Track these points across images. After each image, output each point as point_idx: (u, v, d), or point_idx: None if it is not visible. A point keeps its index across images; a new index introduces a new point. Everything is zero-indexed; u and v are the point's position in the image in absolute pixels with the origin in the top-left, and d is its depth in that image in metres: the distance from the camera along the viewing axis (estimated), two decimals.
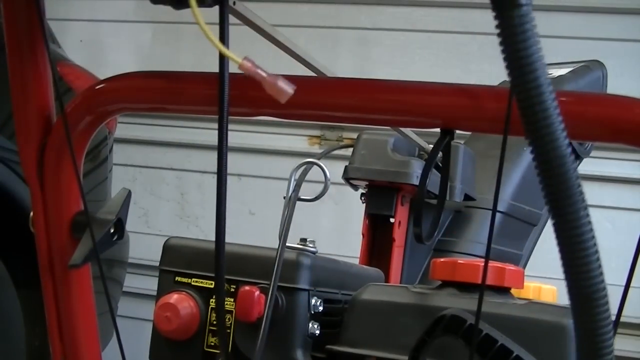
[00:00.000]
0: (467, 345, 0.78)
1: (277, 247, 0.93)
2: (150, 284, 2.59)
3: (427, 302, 0.87)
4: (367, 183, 1.39)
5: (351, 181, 1.40)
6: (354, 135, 1.44)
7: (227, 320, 0.94)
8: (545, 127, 0.47)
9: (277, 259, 0.91)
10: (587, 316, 0.49)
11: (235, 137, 3.00)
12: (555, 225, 0.48)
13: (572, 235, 0.48)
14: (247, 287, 0.91)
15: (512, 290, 0.91)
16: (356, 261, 1.39)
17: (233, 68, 0.64)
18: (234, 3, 0.67)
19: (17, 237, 1.57)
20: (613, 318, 0.62)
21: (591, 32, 3.00)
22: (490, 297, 0.86)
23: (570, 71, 1.78)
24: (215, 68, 0.65)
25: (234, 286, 0.95)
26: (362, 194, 1.43)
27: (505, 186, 1.63)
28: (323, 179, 0.99)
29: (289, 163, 1.15)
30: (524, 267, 1.71)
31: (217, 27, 0.64)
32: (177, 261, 1.01)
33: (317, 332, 0.95)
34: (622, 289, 0.64)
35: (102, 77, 0.76)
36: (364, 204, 1.41)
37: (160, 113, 2.04)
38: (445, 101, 0.65)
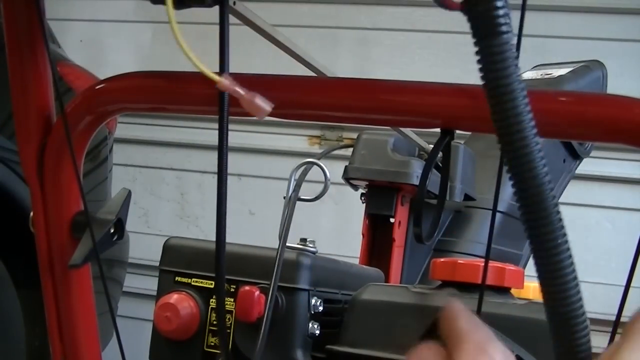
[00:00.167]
0: None
1: (277, 247, 0.93)
2: (150, 284, 2.59)
3: (427, 302, 0.87)
4: (367, 183, 1.39)
5: (351, 181, 1.40)
6: (354, 135, 1.44)
7: (227, 320, 0.94)
8: (523, 156, 0.46)
9: (277, 259, 0.91)
10: (566, 340, 0.49)
11: (235, 137, 3.00)
12: (525, 222, 0.48)
13: (548, 253, 0.48)
14: (247, 287, 0.91)
15: (512, 290, 0.91)
16: (356, 261, 1.39)
17: (233, 68, 0.64)
18: (234, 3, 0.67)
19: (17, 237, 1.58)
20: (613, 318, 0.62)
21: (590, 32, 3.00)
22: (490, 297, 0.86)
23: (570, 71, 1.78)
24: (215, 68, 0.65)
25: (234, 286, 0.94)
26: (362, 194, 1.43)
27: (505, 186, 1.61)
28: (323, 179, 0.99)
29: (289, 163, 1.16)
30: (524, 267, 1.71)
31: (217, 27, 0.64)
32: (177, 261, 1.01)
33: (317, 332, 0.95)
34: (622, 289, 0.64)
35: (102, 77, 0.76)
36: (364, 204, 1.41)
37: (160, 113, 2.04)
38: (445, 101, 0.65)
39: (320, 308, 0.96)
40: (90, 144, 0.78)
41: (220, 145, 0.64)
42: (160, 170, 3.43)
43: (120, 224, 0.75)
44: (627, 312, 0.53)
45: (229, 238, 0.68)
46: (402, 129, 1.15)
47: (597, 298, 2.82)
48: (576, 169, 1.88)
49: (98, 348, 0.83)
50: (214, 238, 0.66)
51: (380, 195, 1.38)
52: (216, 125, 0.63)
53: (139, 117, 3.32)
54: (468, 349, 0.48)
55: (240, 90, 0.56)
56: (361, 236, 1.41)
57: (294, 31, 3.05)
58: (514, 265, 0.92)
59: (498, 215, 1.60)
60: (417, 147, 1.41)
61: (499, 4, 0.44)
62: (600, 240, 2.94)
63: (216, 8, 0.64)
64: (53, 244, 0.77)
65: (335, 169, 1.11)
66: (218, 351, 0.96)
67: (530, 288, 1.24)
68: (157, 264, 1.01)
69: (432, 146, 0.81)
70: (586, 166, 2.04)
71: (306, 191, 1.00)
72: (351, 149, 1.42)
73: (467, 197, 1.49)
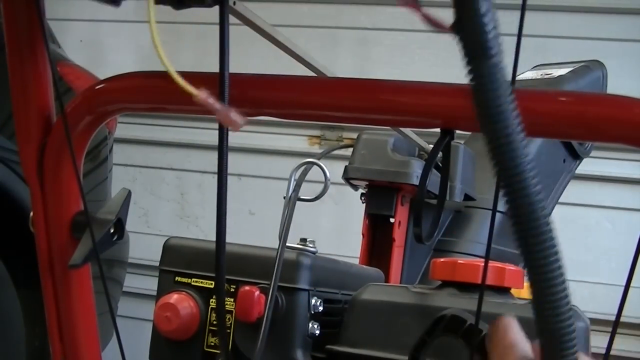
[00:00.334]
0: (467, 345, 0.78)
1: (277, 247, 0.93)
2: (150, 284, 2.59)
3: (427, 302, 0.87)
4: (367, 183, 1.39)
5: (351, 181, 1.40)
6: (354, 135, 1.44)
7: (227, 320, 0.94)
8: (515, 175, 0.46)
9: (277, 259, 0.91)
10: (555, 351, 0.49)
11: (235, 137, 2.99)
12: (512, 220, 0.48)
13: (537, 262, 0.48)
14: (247, 287, 0.91)
15: (512, 290, 0.91)
16: (356, 261, 1.39)
17: (233, 68, 0.64)
18: (234, 3, 0.67)
19: (17, 237, 1.58)
20: (612, 318, 0.62)
21: (590, 32, 3.00)
22: (490, 297, 0.86)
23: (570, 71, 1.78)
24: (215, 68, 0.65)
25: (234, 286, 0.95)
26: (362, 194, 1.43)
27: None
28: (323, 179, 0.99)
29: (289, 163, 1.16)
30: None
31: (217, 27, 0.64)
32: (177, 261, 1.01)
33: (317, 332, 0.95)
34: (622, 289, 0.64)
35: (102, 77, 0.76)
36: (364, 204, 1.41)
37: (160, 113, 2.04)
38: (445, 101, 0.65)
39: (320, 308, 0.96)
40: (90, 144, 0.78)
41: (220, 145, 0.64)
42: (160, 170, 3.43)
43: (120, 224, 0.75)
44: (627, 312, 0.53)
45: (229, 238, 0.68)
46: (402, 129, 1.15)
47: (597, 298, 2.83)
48: (576, 169, 1.88)
49: (98, 348, 0.83)
50: (214, 238, 0.66)
51: (380, 195, 1.38)
52: (216, 125, 0.63)
53: (139, 117, 3.32)
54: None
55: (215, 105, 0.57)
56: (361, 236, 1.41)
57: (294, 31, 3.05)
58: (514, 265, 0.92)
59: (498, 215, 1.59)
60: (417, 147, 1.41)
61: (488, 27, 0.44)
62: (600, 240, 2.94)
63: (216, 8, 0.64)
64: (53, 244, 0.77)
65: (335, 169, 1.11)
66: (218, 351, 0.96)
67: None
68: (157, 264, 1.02)
69: (432, 146, 0.81)
70: (586, 166, 2.04)
71: (306, 191, 1.00)
72: (351, 149, 1.42)
73: (467, 197, 1.49)
